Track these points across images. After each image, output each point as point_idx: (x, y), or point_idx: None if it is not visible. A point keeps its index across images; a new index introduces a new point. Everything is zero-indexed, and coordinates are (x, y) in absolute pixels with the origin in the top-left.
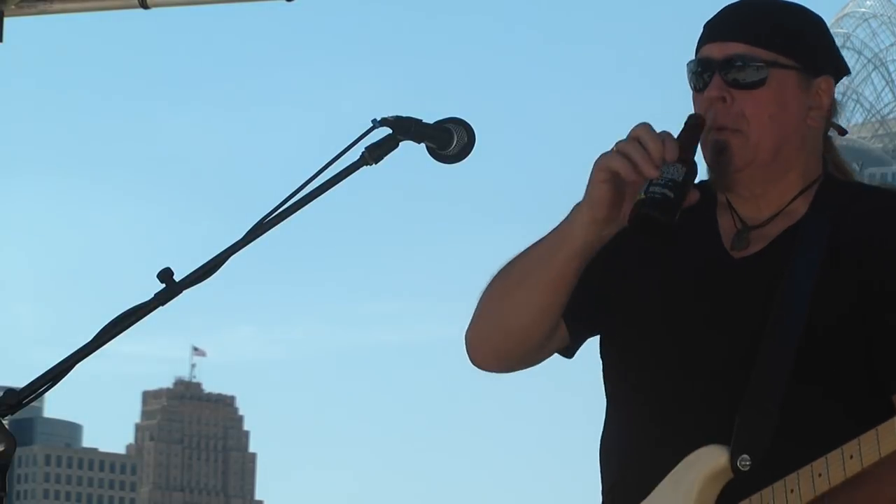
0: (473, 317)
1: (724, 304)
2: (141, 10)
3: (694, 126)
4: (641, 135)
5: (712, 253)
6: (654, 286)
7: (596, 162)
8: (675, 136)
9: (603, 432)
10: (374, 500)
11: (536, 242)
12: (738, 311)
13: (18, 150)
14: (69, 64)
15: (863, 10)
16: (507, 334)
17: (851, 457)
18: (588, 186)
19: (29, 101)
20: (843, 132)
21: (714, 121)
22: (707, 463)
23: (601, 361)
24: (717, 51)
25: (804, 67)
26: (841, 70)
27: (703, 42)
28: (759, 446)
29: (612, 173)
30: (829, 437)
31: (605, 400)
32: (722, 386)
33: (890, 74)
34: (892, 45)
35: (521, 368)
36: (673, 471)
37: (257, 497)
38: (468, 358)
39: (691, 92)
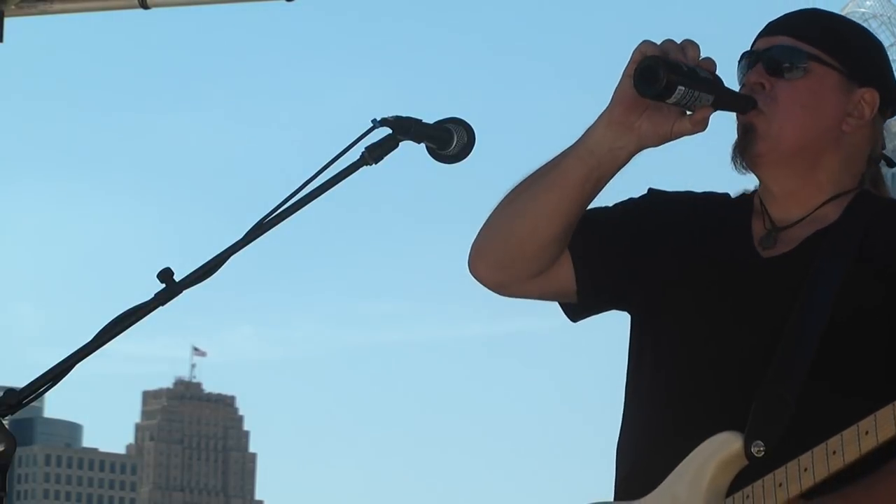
0: (481, 227)
1: (750, 301)
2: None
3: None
4: (682, 42)
5: (741, 251)
6: (684, 277)
7: (633, 53)
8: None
9: (621, 427)
10: (374, 500)
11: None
12: (762, 308)
13: (18, 149)
14: (69, 64)
15: (862, 10)
16: (507, 238)
17: (867, 433)
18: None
19: (29, 101)
20: (891, 164)
21: (747, 91)
22: (721, 449)
23: (629, 343)
24: (763, 43)
25: (848, 73)
26: (893, 95)
27: (755, 40)
28: (774, 434)
29: (643, 56)
30: (844, 424)
31: (622, 397)
32: (742, 378)
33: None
34: (891, 45)
35: (519, 291)
36: (687, 457)
37: (257, 497)
38: (469, 270)
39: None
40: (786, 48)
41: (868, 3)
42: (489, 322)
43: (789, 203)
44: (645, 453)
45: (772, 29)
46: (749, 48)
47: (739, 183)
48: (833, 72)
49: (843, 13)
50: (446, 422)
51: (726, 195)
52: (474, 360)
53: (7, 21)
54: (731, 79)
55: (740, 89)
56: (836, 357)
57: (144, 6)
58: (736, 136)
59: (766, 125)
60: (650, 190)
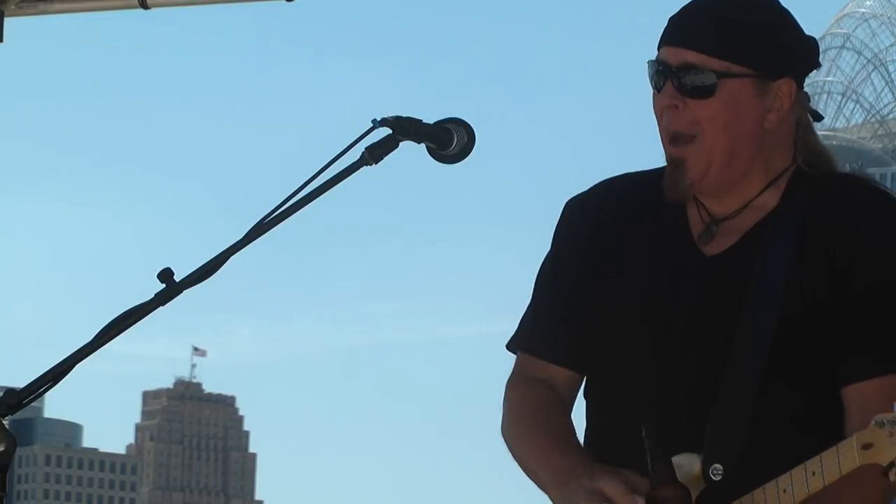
0: (502, 424)
1: (698, 306)
2: (141, 10)
3: (653, 438)
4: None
5: (683, 251)
6: (629, 294)
7: None
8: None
9: (586, 433)
10: (374, 501)
11: (537, 456)
12: (712, 312)
13: (17, 149)
14: (70, 64)
15: (862, 10)
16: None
17: (814, 473)
18: None
19: (29, 101)
20: (818, 118)
21: (668, 128)
22: (679, 472)
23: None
24: (672, 56)
25: (760, 73)
26: (807, 66)
27: (663, 41)
28: (731, 455)
29: None
30: (799, 443)
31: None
32: (698, 390)
33: (889, 75)
34: (891, 45)
35: None
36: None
37: (257, 497)
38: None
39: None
40: (695, 67)
41: (868, 2)
42: (490, 321)
43: (725, 199)
44: (613, 463)
45: (677, 37)
46: (657, 48)
47: None
48: (745, 80)
49: (843, 14)
50: (447, 422)
51: (651, 176)
52: (475, 359)
53: (7, 21)
54: (642, 76)
55: (654, 97)
56: (786, 362)
57: (145, 6)
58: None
59: (696, 151)
60: (567, 209)
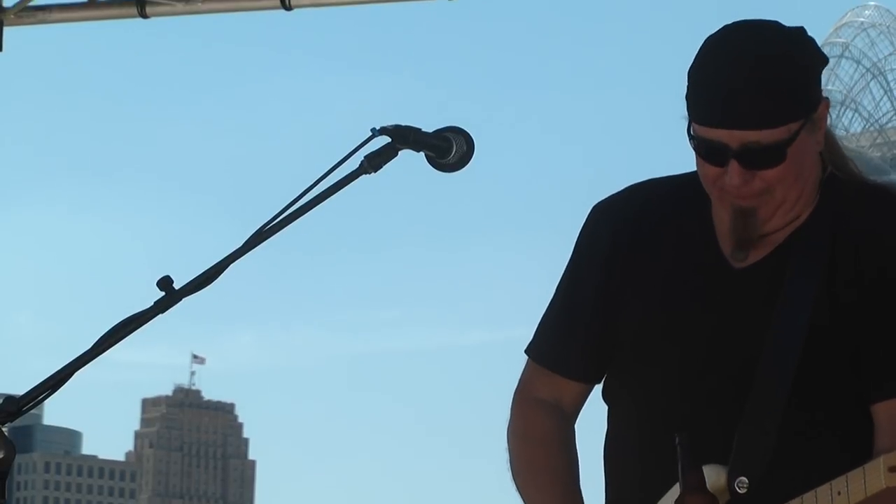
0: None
1: (727, 320)
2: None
3: (684, 448)
4: None
5: (709, 262)
6: (654, 306)
7: None
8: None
9: (606, 443)
10: None
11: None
12: (740, 325)
13: (17, 157)
14: (69, 72)
15: (861, 19)
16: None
17: (839, 493)
18: None
19: (28, 109)
20: None
21: (739, 202)
22: (706, 483)
23: (603, 381)
24: (729, 138)
25: (809, 114)
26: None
27: (709, 121)
28: (757, 468)
29: None
30: (826, 457)
31: (606, 410)
32: (725, 403)
33: (888, 83)
34: (890, 54)
35: None
36: (672, 489)
37: None
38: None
39: (693, 153)
40: (761, 147)
41: (867, 12)
42: (489, 329)
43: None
44: (635, 474)
45: (730, 121)
46: (695, 114)
47: None
48: (802, 131)
49: (842, 23)
50: (447, 429)
51: (677, 182)
52: (475, 366)
53: (6, 30)
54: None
55: (701, 162)
56: (815, 377)
57: (144, 16)
58: (727, 217)
59: (766, 207)
60: (591, 215)
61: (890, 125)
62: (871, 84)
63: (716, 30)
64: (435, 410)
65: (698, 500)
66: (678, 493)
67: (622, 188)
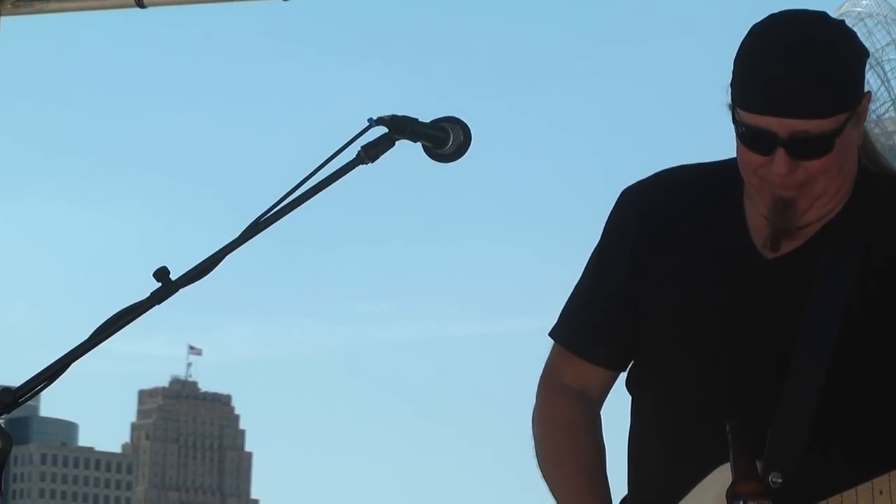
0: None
1: (760, 310)
2: (137, 10)
3: (736, 435)
4: None
5: (740, 251)
6: (683, 295)
7: None
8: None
9: (631, 433)
10: (369, 499)
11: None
12: (773, 317)
13: (14, 150)
14: (66, 63)
15: (858, 9)
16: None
17: (881, 492)
18: None
19: (25, 101)
20: None
21: (781, 191)
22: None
23: (628, 371)
24: (778, 126)
25: (855, 107)
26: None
27: (758, 108)
28: (790, 462)
29: None
30: (860, 452)
31: (629, 401)
32: (756, 395)
33: (885, 73)
34: (887, 44)
35: None
36: (703, 481)
37: (253, 496)
38: None
39: (736, 139)
40: (810, 137)
41: (864, 2)
42: (483, 322)
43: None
44: (661, 465)
45: (781, 109)
46: (741, 100)
47: None
48: (849, 123)
49: (839, 13)
50: (440, 420)
51: (708, 169)
52: (467, 359)
53: (3, 20)
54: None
55: (743, 149)
56: (848, 371)
57: (141, 5)
58: (766, 207)
59: (806, 198)
60: (620, 200)
61: (887, 115)
62: (868, 74)
63: (762, 18)
64: (429, 402)
65: (750, 487)
66: (718, 482)
67: (651, 174)
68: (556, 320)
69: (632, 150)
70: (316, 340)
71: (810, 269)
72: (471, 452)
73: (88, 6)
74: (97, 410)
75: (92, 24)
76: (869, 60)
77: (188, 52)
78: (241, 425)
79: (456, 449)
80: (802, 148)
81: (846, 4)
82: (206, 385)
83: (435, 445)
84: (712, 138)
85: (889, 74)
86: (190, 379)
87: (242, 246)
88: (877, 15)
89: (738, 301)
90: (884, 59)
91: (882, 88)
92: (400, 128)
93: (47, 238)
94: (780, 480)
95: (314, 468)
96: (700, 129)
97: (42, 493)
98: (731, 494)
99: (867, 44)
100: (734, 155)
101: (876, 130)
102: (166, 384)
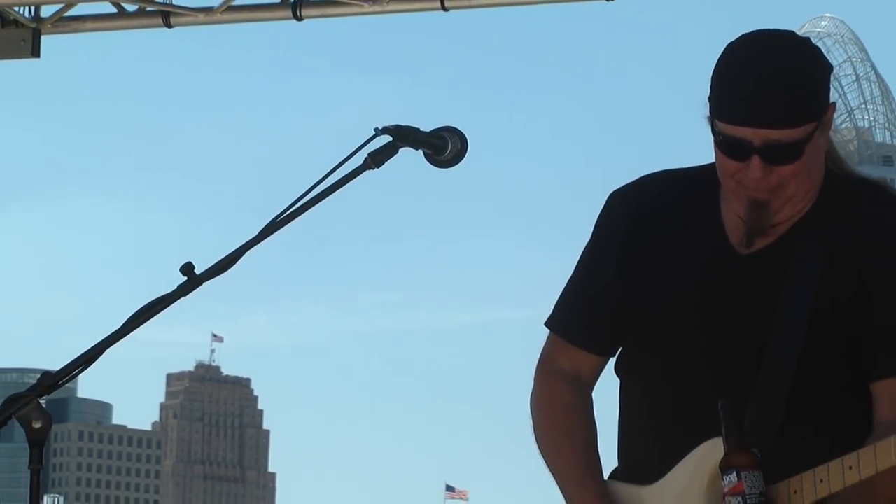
0: (533, 424)
1: (736, 301)
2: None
3: (727, 412)
4: None
5: (718, 249)
6: (664, 289)
7: None
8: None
9: (620, 413)
10: (378, 472)
11: (559, 464)
12: (749, 307)
13: (55, 154)
14: (101, 77)
15: (818, 29)
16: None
17: (850, 468)
18: None
19: (64, 110)
20: None
21: (756, 194)
22: (717, 456)
23: (616, 356)
24: (752, 135)
25: (821, 117)
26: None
27: (734, 119)
28: (766, 440)
29: None
30: (831, 432)
31: (617, 386)
32: (736, 380)
33: (842, 87)
34: (844, 61)
35: None
36: (683, 461)
37: (270, 469)
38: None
39: (714, 148)
40: (782, 145)
41: (823, 23)
42: (480, 311)
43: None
44: (649, 442)
45: (754, 120)
46: (718, 111)
47: None
48: (817, 131)
49: (801, 32)
50: (440, 400)
51: (690, 174)
52: (466, 346)
53: (44, 39)
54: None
55: (722, 156)
56: (820, 355)
57: (168, 25)
58: (739, 208)
59: (779, 200)
60: (608, 202)
61: (843, 125)
62: None
63: (736, 37)
64: (430, 383)
65: (742, 459)
66: (701, 456)
67: (636, 178)
68: (551, 311)
69: (619, 154)
70: (328, 328)
71: (782, 263)
72: (472, 426)
73: (121, 26)
74: (129, 392)
75: (125, 42)
76: None
77: (212, 67)
78: (260, 405)
79: (458, 425)
80: (775, 154)
81: (807, 25)
82: (228, 369)
83: (436, 423)
84: (693, 144)
85: (845, 88)
86: (213, 364)
87: (261, 243)
88: (834, 35)
89: (717, 294)
90: (840, 74)
91: (839, 101)
92: (403, 137)
93: (85, 234)
94: (757, 456)
95: (326, 444)
96: (682, 135)
97: (80, 467)
98: (724, 466)
99: None
100: (713, 160)
101: (835, 138)
102: (192, 368)
